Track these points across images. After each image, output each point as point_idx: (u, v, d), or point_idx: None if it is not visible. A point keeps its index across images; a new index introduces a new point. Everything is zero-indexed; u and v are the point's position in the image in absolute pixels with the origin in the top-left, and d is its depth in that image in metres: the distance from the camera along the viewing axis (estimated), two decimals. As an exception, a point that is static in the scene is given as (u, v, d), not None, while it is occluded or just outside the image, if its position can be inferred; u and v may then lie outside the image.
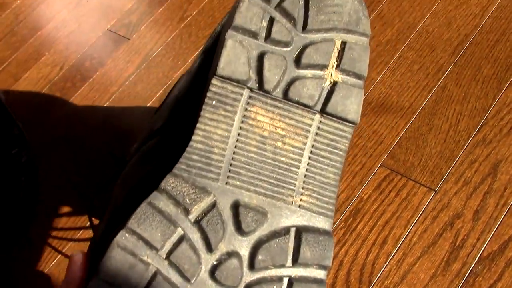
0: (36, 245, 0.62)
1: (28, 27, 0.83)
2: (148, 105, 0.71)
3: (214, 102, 0.43)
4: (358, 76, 0.46)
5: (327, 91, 0.46)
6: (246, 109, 0.44)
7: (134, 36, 0.78)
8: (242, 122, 0.44)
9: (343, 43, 0.46)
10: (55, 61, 0.78)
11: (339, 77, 0.46)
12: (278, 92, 0.44)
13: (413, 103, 0.62)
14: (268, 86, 0.44)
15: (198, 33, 0.76)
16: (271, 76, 0.44)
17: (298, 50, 0.46)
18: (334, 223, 0.56)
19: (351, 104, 0.46)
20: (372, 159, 0.59)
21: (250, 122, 0.44)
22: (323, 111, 0.45)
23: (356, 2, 0.47)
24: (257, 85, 0.44)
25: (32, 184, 0.63)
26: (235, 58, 0.44)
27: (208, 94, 0.44)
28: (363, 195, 0.57)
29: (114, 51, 0.77)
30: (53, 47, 0.80)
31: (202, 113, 0.43)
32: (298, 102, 0.45)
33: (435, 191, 0.56)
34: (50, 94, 0.75)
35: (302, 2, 0.46)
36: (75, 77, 0.76)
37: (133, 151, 0.52)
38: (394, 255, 0.53)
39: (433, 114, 0.61)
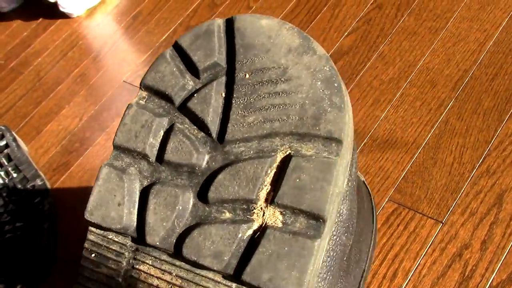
0: (59, 291, 0.64)
1: (49, 82, 0.88)
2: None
3: (93, 256, 0.29)
4: (310, 217, 0.26)
5: (244, 245, 0.26)
6: (133, 267, 0.28)
7: (148, 86, 0.82)
8: (129, 285, 0.28)
9: (287, 159, 0.27)
10: (75, 113, 0.82)
11: (277, 218, 0.27)
12: (171, 246, 0.28)
13: (417, 138, 0.64)
14: (151, 238, 0.28)
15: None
16: (157, 222, 0.27)
17: (206, 177, 0.28)
18: (344, 258, 0.57)
19: (287, 269, 0.25)
20: (379, 194, 0.61)
21: (140, 286, 0.28)
22: (238, 279, 0.26)
23: (319, 83, 0.29)
24: (131, 229, 0.29)
25: (53, 231, 0.66)
26: (108, 196, 0.29)
27: (86, 244, 0.30)
28: (372, 230, 0.59)
29: (130, 101, 0.81)
30: (72, 100, 0.84)
31: (80, 270, 0.30)
32: (196, 264, 0.27)
33: (442, 223, 0.57)
34: (70, 144, 0.79)
35: (223, 95, 0.29)
36: (93, 128, 0.80)
37: None
38: None
39: (437, 148, 0.63)
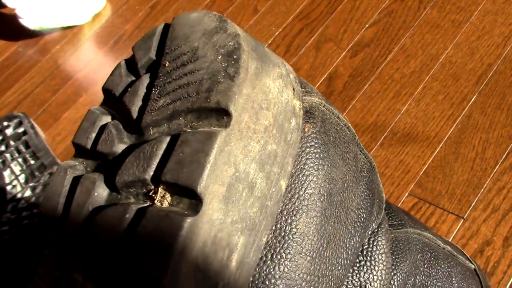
0: None
1: (67, 70, 0.88)
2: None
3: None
4: (184, 193, 0.25)
5: (126, 225, 0.26)
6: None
7: (166, 75, 0.82)
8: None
9: (176, 136, 0.27)
10: (92, 101, 0.82)
11: (166, 198, 0.26)
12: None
13: (439, 133, 0.63)
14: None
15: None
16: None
17: (115, 164, 0.28)
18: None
19: (155, 250, 0.24)
20: (399, 188, 0.60)
21: None
22: None
23: (220, 57, 0.27)
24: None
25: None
26: (58, 188, 0.29)
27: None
28: (391, 224, 0.58)
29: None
30: (90, 88, 0.84)
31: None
32: None
33: (464, 219, 0.56)
34: (87, 133, 0.79)
35: (140, 83, 0.29)
36: (111, 116, 0.79)
37: None
38: (424, 283, 0.54)
39: (459, 143, 0.62)
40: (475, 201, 0.57)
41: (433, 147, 0.62)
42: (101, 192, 0.27)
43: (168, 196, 0.26)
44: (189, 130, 0.26)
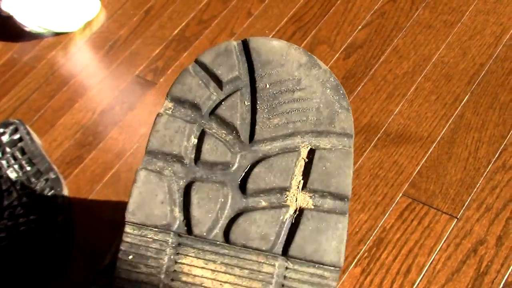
0: (74, 281, 0.64)
1: (62, 76, 0.88)
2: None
3: (131, 257, 0.31)
4: (337, 197, 0.32)
5: (288, 225, 0.32)
6: (176, 262, 0.31)
7: (161, 80, 0.82)
8: (172, 280, 0.31)
9: (311, 152, 0.33)
10: (88, 107, 0.82)
11: (308, 201, 0.32)
12: (217, 235, 0.32)
13: (432, 133, 0.63)
14: (199, 229, 0.32)
15: (221, 75, 0.79)
16: (202, 214, 0.31)
17: (244, 172, 0.33)
18: (358, 253, 0.57)
19: (327, 240, 0.32)
20: (393, 189, 0.61)
21: (184, 278, 0.31)
22: (285, 255, 0.32)
23: (328, 90, 0.34)
24: (185, 228, 0.32)
25: (68, 224, 0.66)
26: (150, 196, 0.31)
27: (122, 247, 0.31)
28: (385, 225, 0.58)
29: (142, 95, 0.81)
30: (85, 94, 0.84)
31: (116, 273, 0.31)
32: (245, 246, 0.31)
33: (457, 218, 0.57)
34: (83, 138, 0.79)
35: (247, 102, 0.34)
36: (106, 122, 0.80)
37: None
38: (418, 283, 0.54)
39: (452, 143, 0.62)
40: (468, 200, 0.58)
41: (426, 147, 0.63)
42: (225, 198, 0.32)
43: (309, 199, 0.33)
44: (308, 146, 0.34)
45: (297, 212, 0.33)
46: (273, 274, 0.31)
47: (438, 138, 0.63)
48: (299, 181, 0.33)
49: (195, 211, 0.32)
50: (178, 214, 0.32)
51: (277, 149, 0.34)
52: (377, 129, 0.66)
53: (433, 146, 0.62)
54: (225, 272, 0.31)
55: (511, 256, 0.53)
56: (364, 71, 0.71)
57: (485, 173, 0.59)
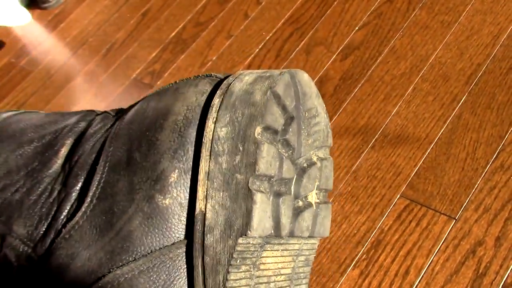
0: None
1: (59, 80, 0.88)
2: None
3: (238, 262, 0.38)
4: (327, 191, 0.45)
5: (314, 217, 0.44)
6: (260, 257, 0.40)
7: (158, 83, 0.82)
8: (257, 270, 0.40)
9: (320, 162, 0.44)
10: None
11: (315, 197, 0.44)
12: (287, 233, 0.41)
13: (430, 134, 0.63)
14: (284, 232, 0.41)
15: (218, 77, 0.79)
16: (286, 221, 0.41)
17: (296, 183, 0.43)
18: (356, 255, 0.57)
19: (327, 222, 0.45)
20: (391, 190, 0.60)
21: (262, 267, 0.40)
22: (310, 236, 0.44)
23: (326, 115, 0.45)
24: (272, 231, 0.40)
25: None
26: (264, 214, 0.38)
27: (235, 255, 0.38)
28: (384, 226, 0.58)
29: (140, 98, 0.81)
30: (83, 98, 0.84)
31: (228, 276, 0.38)
32: (298, 236, 0.42)
33: (456, 220, 0.56)
34: (80, 142, 0.79)
35: (295, 126, 0.42)
36: (103, 125, 0.80)
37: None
38: (417, 285, 0.54)
39: (450, 143, 0.62)
40: (466, 201, 0.57)
41: (424, 148, 0.62)
42: (295, 206, 0.42)
43: (320, 196, 0.46)
44: (316, 158, 0.45)
45: (314, 206, 0.44)
46: (297, 249, 0.43)
47: (436, 139, 0.63)
48: (317, 185, 0.44)
49: (283, 220, 0.40)
50: (272, 222, 0.40)
51: (308, 163, 0.44)
52: (375, 130, 0.65)
53: (431, 147, 0.62)
54: (280, 256, 0.41)
55: (510, 257, 0.53)
56: (361, 72, 0.71)
57: (483, 173, 0.59)
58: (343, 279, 0.56)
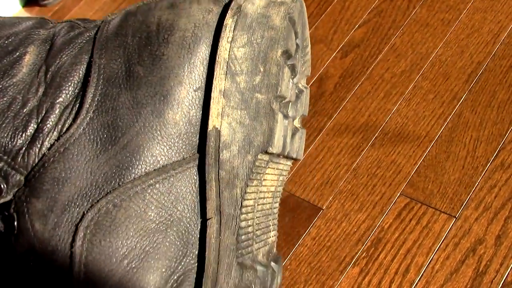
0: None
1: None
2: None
3: (253, 176, 0.40)
4: (303, 117, 0.50)
5: (299, 139, 0.48)
6: (265, 173, 0.43)
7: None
8: (261, 186, 0.43)
9: (305, 89, 0.49)
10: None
11: (298, 121, 0.49)
12: (287, 153, 0.45)
13: (430, 132, 0.63)
14: (286, 151, 0.44)
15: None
16: (288, 142, 0.44)
17: (292, 106, 0.47)
18: (356, 254, 0.56)
19: (302, 144, 0.49)
20: (391, 188, 0.60)
21: (264, 183, 0.43)
22: (292, 158, 0.48)
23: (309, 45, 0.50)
24: (281, 150, 0.44)
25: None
26: (280, 133, 0.41)
27: (254, 170, 0.40)
28: (384, 225, 0.58)
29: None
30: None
31: (247, 189, 0.40)
32: (288, 157, 0.46)
33: (456, 218, 0.56)
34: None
35: (299, 53, 0.46)
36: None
37: None
38: (417, 283, 0.54)
39: (450, 142, 0.62)
40: (466, 199, 0.57)
41: (424, 146, 0.62)
42: (292, 128, 0.46)
43: (298, 120, 0.50)
44: (302, 85, 0.51)
45: (298, 129, 0.47)
46: (282, 170, 0.46)
47: (436, 137, 0.62)
48: (302, 109, 0.49)
49: (288, 140, 0.44)
50: (282, 142, 0.42)
51: (299, 88, 0.47)
52: (375, 128, 0.65)
53: (431, 145, 0.62)
54: (275, 174, 0.44)
55: (510, 256, 0.53)
56: (362, 70, 0.71)
57: (484, 172, 0.58)
58: (343, 277, 0.55)
